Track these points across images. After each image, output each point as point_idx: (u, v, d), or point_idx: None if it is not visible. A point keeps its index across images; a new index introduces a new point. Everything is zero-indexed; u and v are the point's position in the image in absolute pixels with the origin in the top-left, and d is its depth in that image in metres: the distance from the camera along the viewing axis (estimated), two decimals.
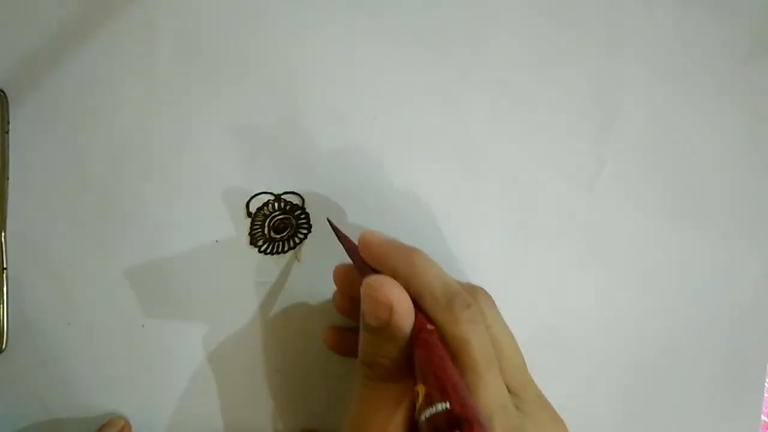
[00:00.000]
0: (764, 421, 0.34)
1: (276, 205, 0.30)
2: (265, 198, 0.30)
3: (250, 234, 0.30)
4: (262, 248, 0.30)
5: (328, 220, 0.30)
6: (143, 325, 0.30)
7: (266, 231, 0.30)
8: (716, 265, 0.33)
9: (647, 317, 0.33)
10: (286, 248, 0.30)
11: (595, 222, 0.32)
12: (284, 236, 0.30)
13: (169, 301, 0.30)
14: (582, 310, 0.32)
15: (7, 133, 0.29)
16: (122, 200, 0.30)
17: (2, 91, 0.29)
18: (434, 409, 0.18)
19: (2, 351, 0.29)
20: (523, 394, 0.23)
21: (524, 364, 0.24)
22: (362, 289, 0.22)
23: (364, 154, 0.31)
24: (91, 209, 0.29)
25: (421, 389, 0.19)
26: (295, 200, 0.31)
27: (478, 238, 0.32)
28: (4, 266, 0.29)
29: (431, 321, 0.22)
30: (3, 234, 0.29)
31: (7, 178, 0.29)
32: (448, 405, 0.18)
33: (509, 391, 0.22)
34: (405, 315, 0.21)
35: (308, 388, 0.31)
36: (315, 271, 0.30)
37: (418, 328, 0.22)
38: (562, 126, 0.32)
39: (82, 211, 0.29)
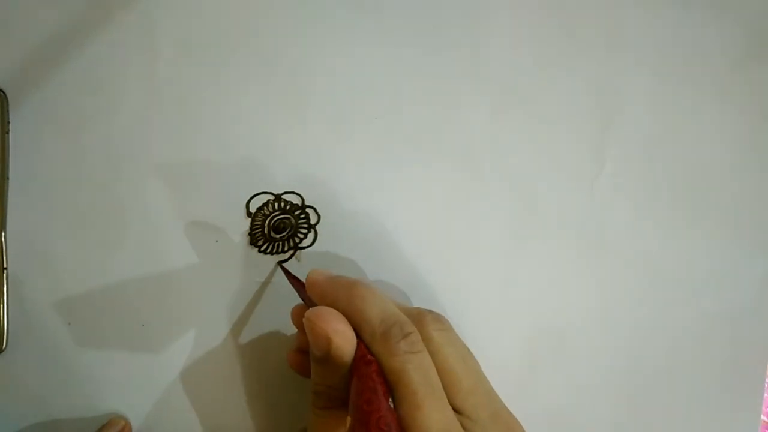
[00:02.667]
0: (764, 421, 0.34)
1: (276, 205, 0.30)
2: (265, 198, 0.30)
3: (250, 234, 0.30)
4: (262, 248, 0.30)
5: (279, 265, 0.30)
6: (143, 325, 0.30)
7: (266, 231, 0.30)
8: (716, 265, 0.33)
9: (647, 317, 0.32)
10: (286, 248, 0.30)
11: (595, 222, 0.32)
12: (284, 236, 0.30)
13: (169, 301, 0.30)
14: (582, 310, 0.32)
15: (7, 133, 0.29)
16: (122, 200, 0.30)
17: (2, 91, 0.29)
18: None
19: (2, 351, 0.29)
20: (475, 415, 0.23)
21: (480, 384, 0.24)
22: (304, 322, 0.23)
23: (364, 154, 0.31)
24: (91, 209, 0.29)
25: (348, 420, 0.20)
26: (295, 200, 0.31)
27: (478, 238, 0.32)
28: (4, 266, 0.29)
29: (371, 353, 0.22)
30: (3, 234, 0.29)
31: (7, 178, 0.29)
32: None
33: (462, 415, 0.22)
34: (343, 345, 0.22)
35: (307, 388, 0.31)
36: None
37: (357, 357, 0.22)
38: (562, 126, 0.32)
39: (82, 211, 0.29)
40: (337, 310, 0.23)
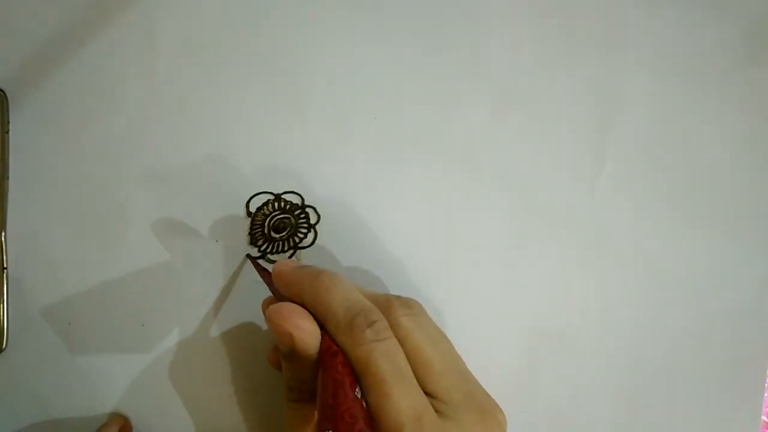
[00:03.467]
0: (764, 421, 0.33)
1: (276, 204, 0.30)
2: (265, 198, 0.30)
3: (250, 234, 0.30)
4: (262, 248, 0.30)
5: (248, 256, 0.30)
6: (143, 325, 0.30)
7: (266, 231, 0.30)
8: (716, 265, 0.33)
9: (647, 317, 0.32)
10: (286, 248, 0.30)
11: (595, 222, 0.32)
12: (284, 236, 0.30)
13: (169, 301, 0.30)
14: (582, 310, 0.32)
15: (7, 133, 0.29)
16: (122, 200, 0.30)
17: (2, 91, 0.29)
18: None
19: (2, 351, 0.29)
20: (448, 398, 0.23)
21: (453, 366, 0.24)
22: (266, 320, 0.23)
23: (364, 154, 0.31)
24: (91, 209, 0.29)
25: (316, 414, 0.20)
26: (295, 200, 0.31)
27: (478, 238, 0.32)
28: (4, 266, 0.29)
29: (337, 344, 0.22)
30: (3, 234, 0.29)
31: (7, 178, 0.29)
32: None
33: (435, 398, 0.22)
34: (306, 340, 0.22)
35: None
36: None
37: (323, 350, 0.22)
38: (562, 126, 0.32)
39: (82, 211, 0.29)
40: (303, 301, 0.23)
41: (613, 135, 0.33)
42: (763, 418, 0.33)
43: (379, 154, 0.31)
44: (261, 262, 0.30)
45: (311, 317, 0.23)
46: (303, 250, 0.31)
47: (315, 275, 0.24)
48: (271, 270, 0.26)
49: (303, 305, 0.23)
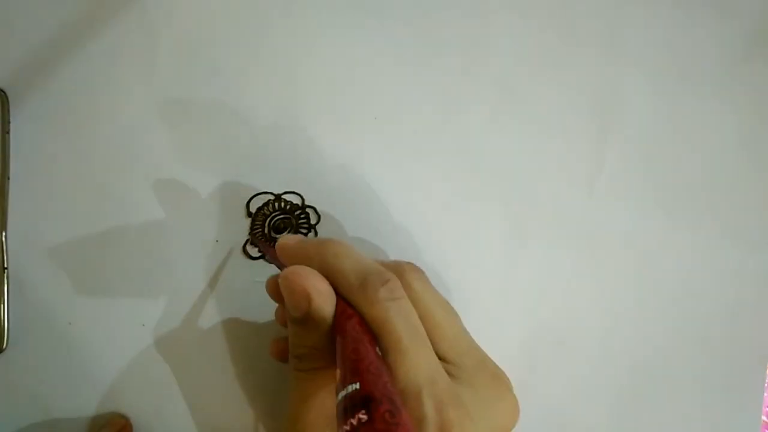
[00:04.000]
0: (764, 421, 0.33)
1: (276, 205, 0.30)
2: (265, 198, 0.30)
3: (250, 234, 0.30)
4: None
5: (251, 235, 0.30)
6: (143, 325, 0.30)
7: (266, 231, 0.30)
8: (716, 265, 0.33)
9: (647, 317, 0.32)
10: None
11: (594, 222, 0.32)
12: None
13: (168, 300, 0.30)
14: (581, 310, 0.32)
15: (8, 133, 0.29)
16: (122, 200, 0.30)
17: (2, 91, 0.29)
18: (346, 391, 0.18)
19: (2, 351, 0.29)
20: (461, 362, 0.23)
21: (462, 333, 0.24)
22: (280, 282, 0.22)
23: (364, 154, 0.31)
24: (91, 209, 0.29)
25: (338, 373, 0.20)
26: (295, 200, 0.31)
27: (478, 238, 0.32)
28: (5, 266, 0.29)
29: (352, 306, 0.22)
30: (3, 234, 0.29)
31: (8, 178, 0.29)
32: (357, 386, 0.18)
33: (447, 362, 0.23)
34: (323, 301, 0.22)
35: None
36: None
37: (338, 314, 0.22)
38: (562, 126, 0.32)
39: (82, 211, 0.29)
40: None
41: (612, 135, 0.33)
42: (763, 418, 0.33)
43: (379, 154, 0.31)
44: (262, 260, 0.30)
45: (326, 280, 0.22)
46: None
47: (321, 243, 0.23)
48: (266, 248, 0.26)
49: None
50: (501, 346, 0.31)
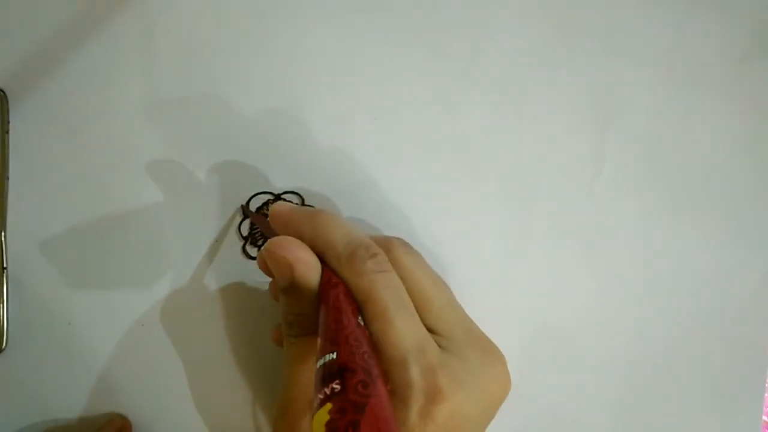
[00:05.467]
0: (765, 422, 0.33)
1: None
2: (265, 198, 0.30)
3: (250, 234, 0.30)
4: (262, 248, 0.30)
5: (242, 207, 0.30)
6: (143, 325, 0.30)
7: None
8: (716, 265, 0.33)
9: (647, 317, 0.32)
10: None
11: (595, 222, 0.32)
12: None
13: (169, 301, 0.30)
14: (582, 310, 0.32)
15: (7, 132, 0.29)
16: (122, 200, 0.30)
17: (2, 91, 0.29)
18: (323, 360, 0.18)
19: (2, 351, 0.29)
20: (449, 333, 0.23)
21: (453, 304, 0.24)
22: (264, 253, 0.23)
23: (364, 154, 0.31)
24: (91, 209, 0.29)
25: (318, 341, 0.20)
26: (295, 200, 0.31)
27: (478, 237, 0.32)
28: (4, 266, 0.29)
29: (338, 276, 0.22)
30: (3, 234, 0.29)
31: (7, 178, 0.29)
32: (334, 355, 0.18)
33: (435, 333, 0.23)
34: (307, 271, 0.22)
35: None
36: None
37: (324, 282, 0.22)
38: (562, 126, 0.32)
39: (82, 211, 0.29)
40: (302, 238, 0.23)
41: (613, 135, 0.33)
42: (764, 418, 0.33)
43: (379, 154, 0.31)
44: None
45: (310, 250, 0.23)
46: None
47: (313, 212, 0.24)
48: (258, 218, 0.27)
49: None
50: (501, 345, 0.31)
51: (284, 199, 0.30)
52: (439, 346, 0.22)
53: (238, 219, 0.30)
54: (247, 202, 0.30)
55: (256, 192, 0.30)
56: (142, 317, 0.30)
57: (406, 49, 0.31)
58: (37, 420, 0.29)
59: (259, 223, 0.27)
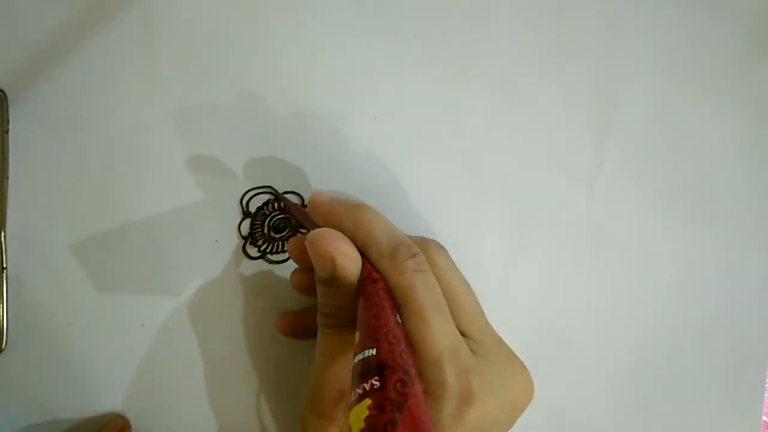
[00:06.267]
0: (764, 421, 0.33)
1: (276, 204, 0.30)
2: (265, 198, 0.30)
3: (250, 234, 0.30)
4: (262, 248, 0.30)
5: (277, 192, 0.30)
6: (143, 325, 0.30)
7: (266, 231, 0.30)
8: (716, 264, 0.33)
9: (647, 317, 0.32)
10: (285, 248, 0.30)
11: (595, 222, 0.32)
12: (284, 236, 0.30)
13: (168, 300, 0.30)
14: (582, 310, 0.32)
15: (7, 132, 0.29)
16: (122, 200, 0.30)
17: (2, 91, 0.29)
18: (362, 354, 0.18)
19: (2, 351, 0.29)
20: (480, 338, 0.24)
21: (482, 312, 0.25)
22: (306, 244, 0.23)
23: (364, 154, 0.31)
24: (91, 209, 0.29)
25: (357, 335, 0.20)
26: (295, 200, 0.31)
27: (478, 238, 0.32)
28: (4, 266, 0.29)
29: (378, 271, 0.22)
30: (3, 234, 0.29)
31: (7, 178, 0.29)
32: (374, 351, 0.18)
33: (466, 337, 0.23)
34: (348, 264, 0.22)
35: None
36: None
37: (363, 276, 0.22)
38: (562, 126, 0.32)
39: (82, 211, 0.29)
40: (342, 230, 0.23)
41: (612, 135, 0.33)
42: (764, 418, 0.33)
43: (379, 154, 0.31)
44: (262, 260, 0.30)
45: (352, 243, 0.23)
46: None
47: (356, 206, 0.24)
48: (294, 206, 0.27)
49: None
50: None
51: (284, 199, 0.30)
52: (470, 349, 0.22)
53: (239, 219, 0.30)
54: (279, 195, 0.30)
55: (250, 188, 0.30)
56: (142, 317, 0.30)
57: (406, 49, 0.31)
58: (37, 420, 0.29)
59: (295, 211, 0.27)
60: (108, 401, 0.30)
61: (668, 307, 0.33)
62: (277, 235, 0.30)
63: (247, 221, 0.30)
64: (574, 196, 0.32)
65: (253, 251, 0.30)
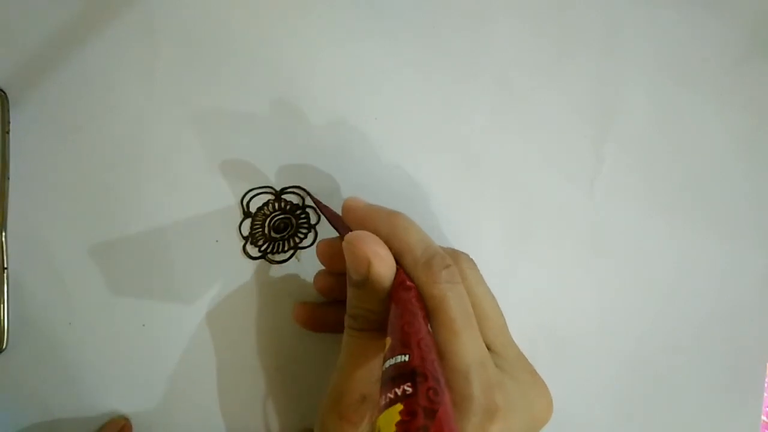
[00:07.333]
0: (764, 421, 0.33)
1: (276, 204, 0.30)
2: (265, 198, 0.30)
3: (250, 234, 0.30)
4: (262, 248, 0.30)
5: (307, 192, 0.30)
6: (143, 325, 0.30)
7: (266, 231, 0.30)
8: (716, 264, 0.33)
9: (647, 317, 0.33)
10: (286, 248, 0.30)
11: (595, 222, 0.32)
12: (284, 236, 0.30)
13: (169, 300, 0.30)
14: (582, 310, 0.32)
15: (7, 133, 0.29)
16: (122, 200, 0.30)
17: (2, 91, 0.29)
18: (394, 360, 0.18)
19: (2, 351, 0.29)
20: (505, 353, 0.24)
21: (507, 327, 0.25)
22: (343, 245, 0.23)
23: (364, 154, 0.31)
24: (91, 209, 0.29)
25: (388, 341, 0.20)
26: (295, 200, 0.31)
27: (479, 238, 0.32)
28: (4, 266, 0.29)
29: (411, 280, 0.23)
30: (3, 234, 0.29)
31: (7, 178, 0.29)
32: (406, 358, 0.18)
33: (491, 351, 0.23)
34: (383, 269, 0.22)
35: (307, 387, 0.31)
36: (314, 270, 0.30)
37: (397, 283, 0.22)
38: (562, 126, 0.32)
39: (82, 211, 0.29)
40: (378, 236, 0.23)
41: (612, 135, 0.33)
42: (763, 418, 0.33)
43: (379, 155, 0.31)
44: (262, 260, 0.30)
45: (388, 248, 0.23)
46: (303, 250, 0.31)
47: (392, 214, 0.24)
48: (325, 207, 0.27)
49: None
50: None
51: (284, 200, 0.30)
52: (495, 364, 0.23)
53: (239, 219, 0.30)
54: (311, 195, 0.30)
55: (254, 189, 0.30)
56: (143, 317, 0.30)
57: (406, 50, 0.31)
58: (37, 420, 0.29)
59: (328, 213, 0.28)
60: (108, 401, 0.29)
61: (668, 307, 0.33)
62: (278, 235, 0.30)
63: (248, 221, 0.30)
64: (574, 196, 0.32)
65: (254, 251, 0.30)
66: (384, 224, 0.24)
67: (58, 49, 0.29)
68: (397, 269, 0.23)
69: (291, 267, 0.30)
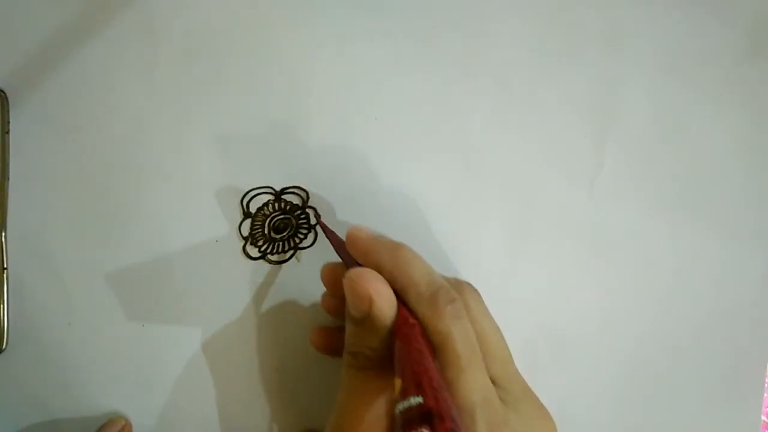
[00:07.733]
0: (764, 421, 0.33)
1: (276, 205, 0.30)
2: (265, 198, 0.30)
3: (250, 234, 0.30)
4: (262, 248, 0.30)
5: (317, 216, 0.30)
6: (143, 325, 0.30)
7: (266, 231, 0.30)
8: (716, 264, 0.33)
9: (647, 317, 0.33)
10: (286, 248, 0.30)
11: (595, 221, 0.32)
12: (284, 236, 0.30)
13: (169, 301, 0.30)
14: (582, 310, 0.32)
15: (8, 133, 0.29)
16: (122, 200, 0.30)
17: (2, 91, 0.29)
18: (408, 402, 0.18)
19: (2, 351, 0.29)
20: (509, 387, 0.23)
21: (511, 358, 0.25)
22: (344, 282, 0.23)
23: (364, 154, 0.31)
24: (91, 209, 0.29)
25: (398, 382, 0.20)
26: (295, 200, 0.31)
27: (478, 238, 0.32)
28: (4, 266, 0.29)
29: (415, 316, 0.22)
30: (3, 234, 0.29)
31: (7, 178, 0.29)
32: (421, 399, 0.18)
33: (496, 385, 0.23)
34: (385, 307, 0.22)
35: (307, 388, 0.31)
36: (314, 271, 0.30)
37: (400, 321, 0.22)
38: (562, 126, 0.32)
39: (82, 211, 0.29)
40: (381, 270, 0.23)
41: (612, 135, 0.33)
42: (763, 418, 0.33)
43: (379, 154, 0.31)
44: (262, 260, 0.30)
45: (389, 285, 0.23)
46: (303, 250, 0.31)
47: (395, 247, 0.24)
48: (331, 233, 0.27)
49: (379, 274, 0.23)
50: None
51: (284, 200, 0.30)
52: (499, 398, 0.22)
53: (239, 219, 0.30)
54: (316, 213, 0.30)
55: (253, 189, 0.30)
56: (143, 318, 0.30)
57: (406, 50, 0.32)
58: (37, 420, 0.29)
59: (335, 243, 0.27)
60: (108, 401, 0.30)
61: (668, 307, 0.33)
62: (278, 236, 0.30)
63: (248, 221, 0.30)
64: (574, 196, 0.32)
65: (254, 251, 0.30)
66: (387, 257, 0.23)
67: (58, 49, 0.29)
68: (399, 305, 0.22)
69: (291, 267, 0.30)
